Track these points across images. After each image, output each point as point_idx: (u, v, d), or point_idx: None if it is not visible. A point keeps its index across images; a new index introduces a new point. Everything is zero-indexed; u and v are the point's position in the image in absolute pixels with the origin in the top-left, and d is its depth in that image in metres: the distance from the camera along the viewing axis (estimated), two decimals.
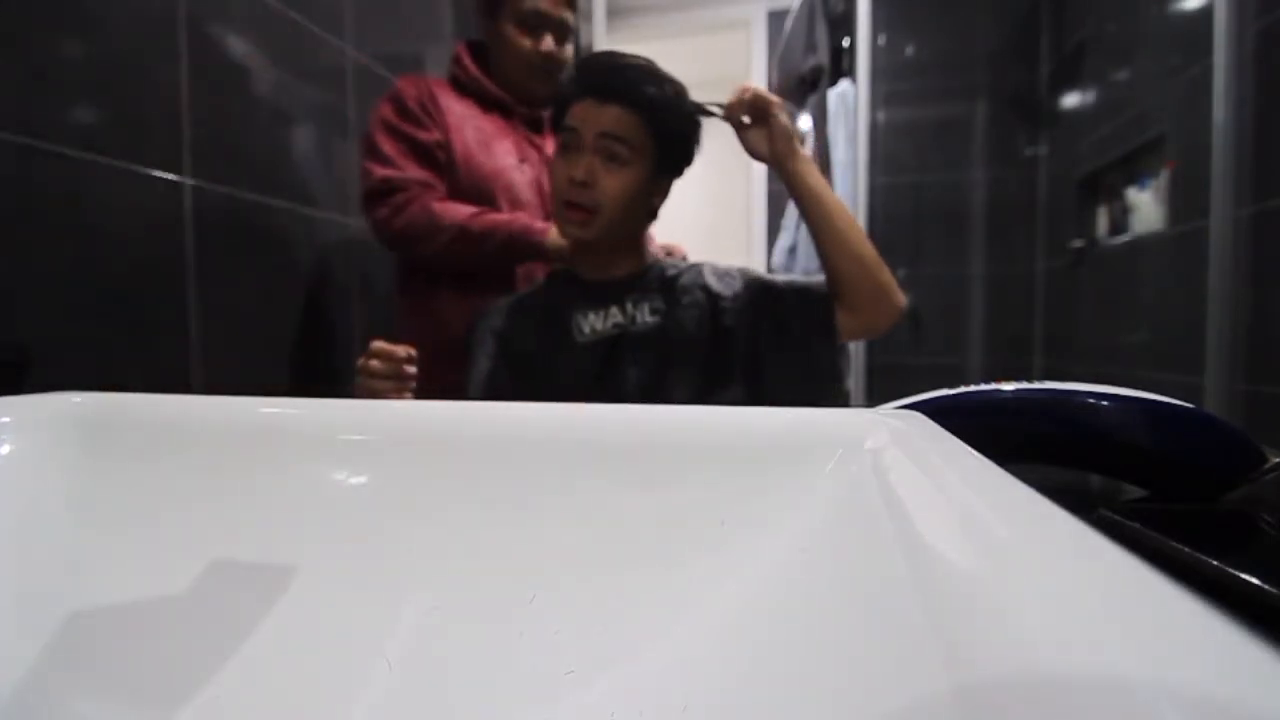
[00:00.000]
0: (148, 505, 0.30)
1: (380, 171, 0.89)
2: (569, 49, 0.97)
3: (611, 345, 0.72)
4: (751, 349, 0.72)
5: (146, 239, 0.75)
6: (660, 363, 0.71)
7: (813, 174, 0.72)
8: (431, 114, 0.92)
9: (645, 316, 0.73)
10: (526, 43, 0.93)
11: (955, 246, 2.06)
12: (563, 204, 0.71)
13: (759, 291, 0.74)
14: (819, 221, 0.71)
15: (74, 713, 0.24)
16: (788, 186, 0.73)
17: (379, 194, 0.89)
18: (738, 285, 0.74)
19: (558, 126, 0.74)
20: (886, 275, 0.72)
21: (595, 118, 0.70)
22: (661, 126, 0.72)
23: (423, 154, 0.91)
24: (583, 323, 0.73)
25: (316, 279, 1.03)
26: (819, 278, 0.74)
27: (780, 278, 0.76)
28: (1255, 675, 0.09)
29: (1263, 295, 1.08)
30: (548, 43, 0.93)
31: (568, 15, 0.96)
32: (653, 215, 0.77)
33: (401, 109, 0.92)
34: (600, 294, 0.74)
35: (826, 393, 0.73)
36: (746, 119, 0.73)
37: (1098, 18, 1.67)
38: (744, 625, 0.23)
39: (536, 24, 0.93)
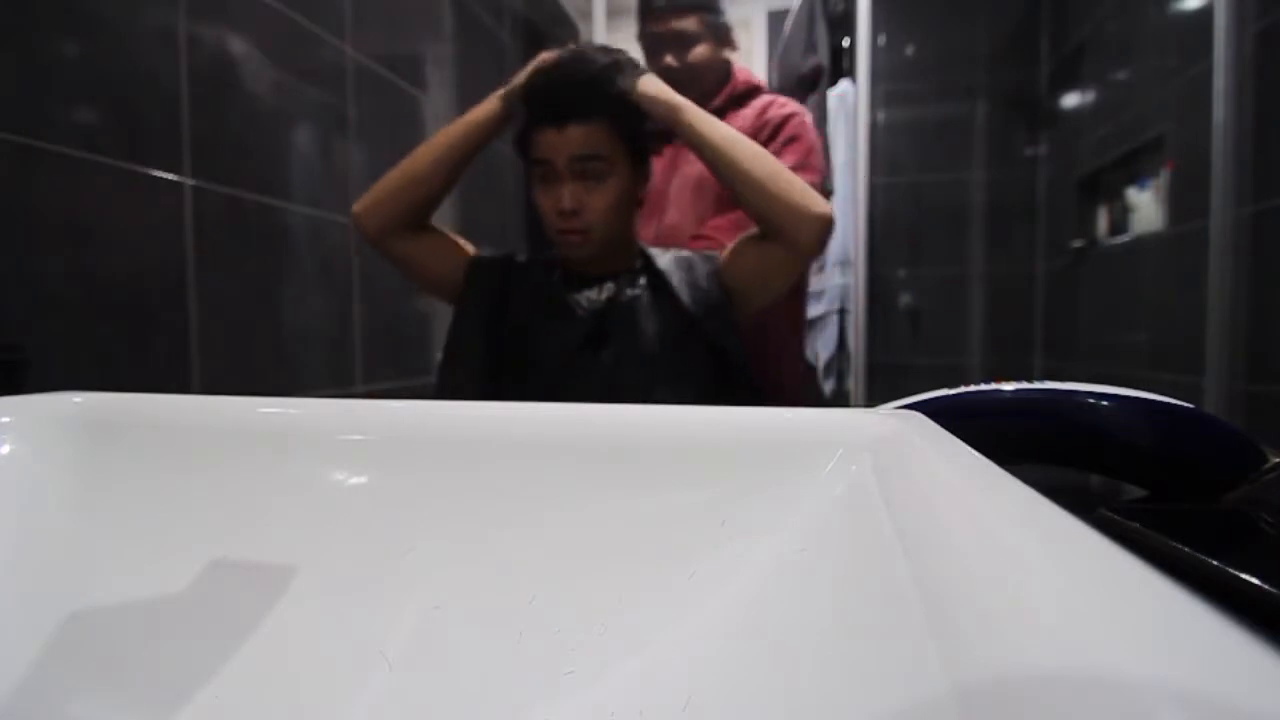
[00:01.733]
0: (147, 505, 0.30)
1: None
2: (696, 52, 1.01)
3: (603, 315, 0.75)
4: (693, 339, 0.76)
5: (146, 239, 0.75)
6: (637, 331, 0.75)
7: (697, 119, 0.73)
8: None
9: (630, 290, 0.77)
10: (653, 62, 1.01)
11: (955, 246, 2.06)
12: (556, 231, 0.74)
13: (698, 286, 0.77)
14: (713, 155, 0.72)
15: (74, 713, 0.24)
16: (686, 144, 0.76)
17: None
18: (689, 276, 0.78)
19: (524, 156, 0.76)
20: (797, 186, 0.71)
21: (561, 145, 0.71)
22: (627, 123, 0.73)
23: None
24: (582, 299, 0.76)
25: (316, 279, 1.03)
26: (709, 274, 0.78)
27: (682, 261, 0.79)
28: (1255, 675, 0.09)
29: (1263, 295, 1.08)
30: (667, 59, 1.00)
31: (679, 25, 1.00)
32: (640, 203, 0.80)
33: None
34: (598, 280, 0.78)
35: (742, 385, 0.76)
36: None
37: (1098, 18, 1.67)
38: (744, 625, 0.23)
39: (649, 44, 1.02)
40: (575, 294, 0.76)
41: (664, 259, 0.79)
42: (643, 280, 0.77)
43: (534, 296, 0.77)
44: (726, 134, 0.73)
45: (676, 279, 0.76)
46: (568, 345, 0.74)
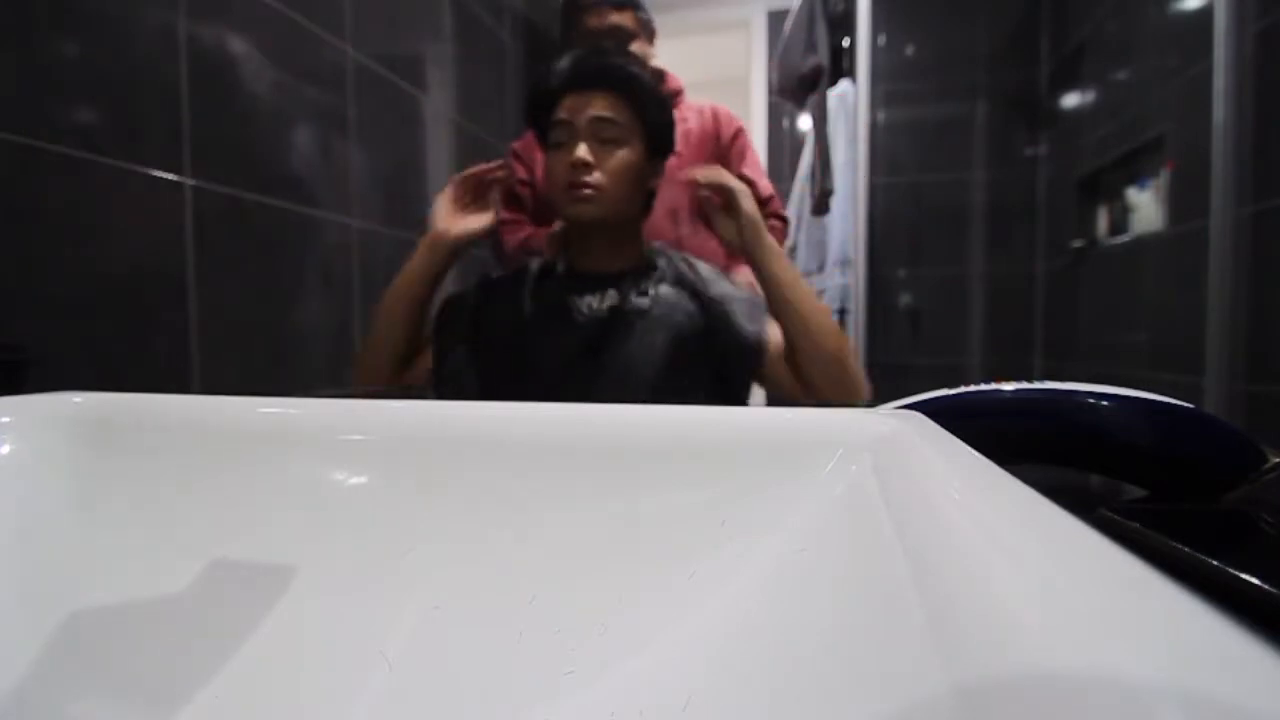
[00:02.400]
0: (148, 505, 0.30)
1: None
2: (633, 48, 1.03)
3: (604, 323, 0.74)
4: (699, 362, 0.75)
5: (146, 239, 0.75)
6: (642, 342, 0.74)
7: (777, 261, 0.72)
8: (522, 158, 1.11)
9: (635, 298, 0.75)
10: None
11: (955, 246, 2.06)
12: (566, 187, 0.73)
13: (716, 317, 0.75)
14: (782, 307, 0.71)
15: (74, 713, 0.24)
16: (754, 271, 0.73)
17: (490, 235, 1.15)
18: (701, 297, 0.76)
19: (541, 124, 0.77)
20: (850, 366, 0.71)
21: (583, 106, 0.73)
22: (646, 107, 0.75)
23: (511, 197, 1.13)
24: (581, 304, 0.76)
25: (316, 279, 1.03)
26: (759, 319, 0.75)
27: (738, 312, 0.75)
28: (1255, 675, 0.09)
29: (1263, 295, 1.08)
30: None
31: (618, 20, 1.00)
32: (649, 200, 0.80)
33: (507, 163, 1.06)
34: (599, 282, 0.77)
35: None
36: (714, 198, 0.73)
37: (1098, 18, 1.67)
38: (744, 625, 0.23)
39: (587, 43, 1.02)
40: (576, 297, 0.76)
41: (713, 278, 0.78)
42: (651, 290, 0.76)
43: (531, 297, 0.77)
44: (798, 282, 0.72)
45: (733, 307, 0.75)
46: (567, 349, 0.74)
